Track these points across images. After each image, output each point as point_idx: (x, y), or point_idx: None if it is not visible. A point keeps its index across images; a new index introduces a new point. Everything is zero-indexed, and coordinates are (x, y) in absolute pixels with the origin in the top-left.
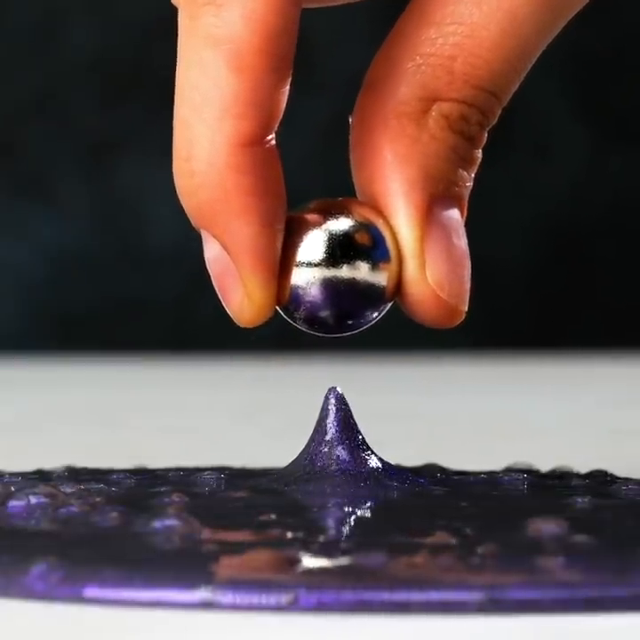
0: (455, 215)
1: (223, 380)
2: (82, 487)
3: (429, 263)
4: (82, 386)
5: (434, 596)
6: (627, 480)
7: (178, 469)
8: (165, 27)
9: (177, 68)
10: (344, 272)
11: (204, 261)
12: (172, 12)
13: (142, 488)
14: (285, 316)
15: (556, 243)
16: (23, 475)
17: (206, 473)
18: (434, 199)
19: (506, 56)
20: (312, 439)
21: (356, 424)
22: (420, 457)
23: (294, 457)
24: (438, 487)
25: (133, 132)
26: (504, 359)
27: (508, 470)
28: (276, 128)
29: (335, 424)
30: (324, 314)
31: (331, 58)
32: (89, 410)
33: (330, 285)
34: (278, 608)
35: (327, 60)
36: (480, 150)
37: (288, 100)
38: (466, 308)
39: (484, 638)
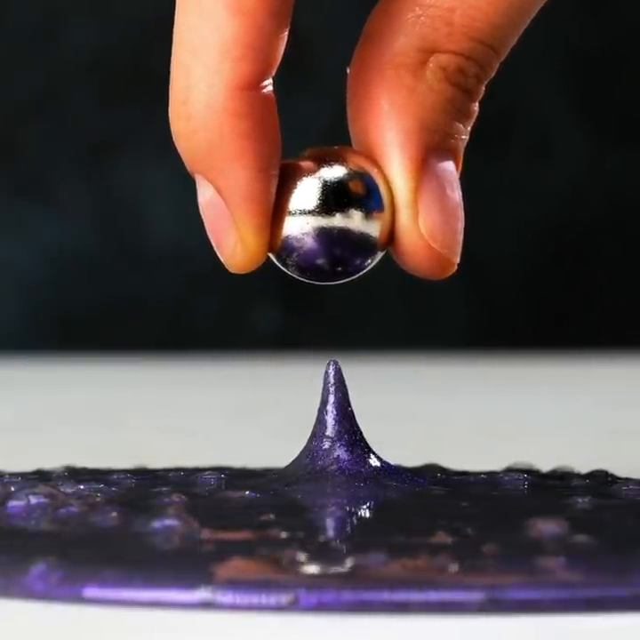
0: (450, 167)
1: (223, 380)
2: (82, 487)
3: (423, 213)
4: (82, 386)
5: (434, 596)
6: (627, 480)
7: (178, 469)
8: (165, 27)
9: (176, 11)
10: (337, 220)
11: (203, 261)
12: (171, 12)
13: (142, 488)
14: (277, 263)
15: (555, 243)
16: (23, 475)
17: (206, 473)
18: (429, 150)
19: (505, 10)
20: (313, 435)
21: (353, 415)
22: (420, 457)
23: (294, 457)
24: (438, 487)
25: (133, 132)
26: (504, 359)
27: (509, 470)
28: (273, 73)
29: (334, 413)
30: (317, 261)
31: (330, 58)
32: (89, 410)
33: (323, 233)
34: (278, 608)
35: (327, 60)
36: (477, 103)
37: (288, 100)
38: (457, 260)
39: (483, 638)
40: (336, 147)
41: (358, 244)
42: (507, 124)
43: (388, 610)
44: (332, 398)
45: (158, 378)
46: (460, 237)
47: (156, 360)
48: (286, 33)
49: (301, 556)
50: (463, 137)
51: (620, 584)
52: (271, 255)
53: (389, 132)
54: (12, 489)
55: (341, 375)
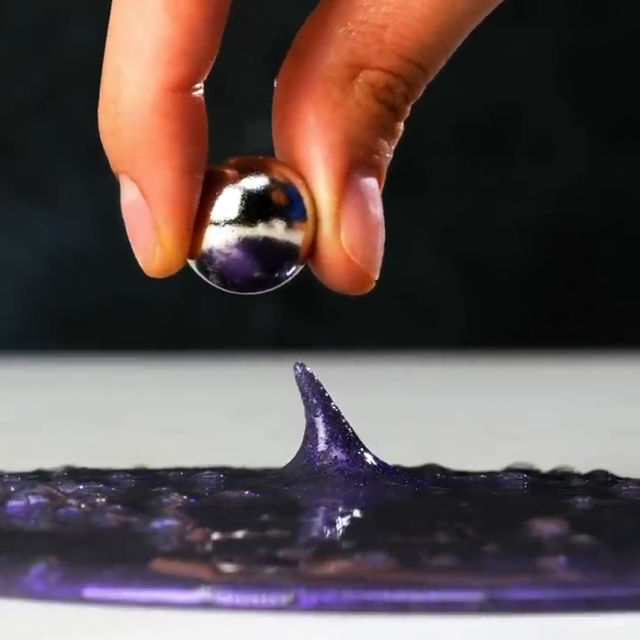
0: (373, 184)
1: (223, 380)
2: (81, 487)
3: (344, 227)
4: (81, 386)
5: (434, 596)
6: (627, 480)
7: (178, 469)
8: None
9: (112, 7)
10: (260, 229)
11: None
12: None
13: (142, 488)
14: (197, 271)
15: (556, 243)
16: (23, 475)
17: (206, 473)
18: (353, 165)
19: (436, 30)
20: (306, 438)
21: (340, 413)
22: (420, 457)
23: (292, 457)
24: (438, 487)
25: None
26: (504, 359)
27: (509, 470)
28: (205, 77)
29: (322, 416)
30: (238, 271)
31: None
32: (89, 410)
33: (244, 243)
34: (278, 608)
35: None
36: (402, 123)
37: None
38: (376, 276)
39: (484, 638)
40: (261, 157)
41: (280, 255)
42: (507, 124)
43: (388, 610)
44: (314, 401)
45: (158, 378)
46: (380, 253)
47: (156, 360)
48: (220, 39)
49: (301, 556)
50: (388, 155)
51: (620, 584)
52: (191, 262)
53: (315, 146)
54: (12, 489)
55: (311, 375)
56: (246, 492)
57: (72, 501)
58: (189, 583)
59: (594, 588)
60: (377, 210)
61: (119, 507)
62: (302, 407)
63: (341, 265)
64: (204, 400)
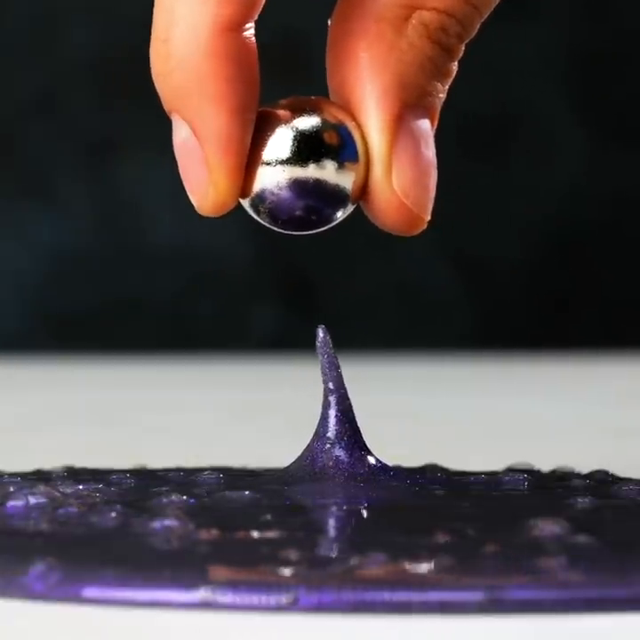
0: (425, 125)
1: (223, 381)
2: (81, 487)
3: (396, 169)
4: (81, 386)
5: (434, 596)
6: (628, 480)
7: (178, 469)
8: None
9: None
10: (311, 170)
11: (203, 261)
12: None
13: (142, 488)
14: (249, 210)
15: (556, 243)
16: (22, 475)
17: (206, 473)
18: (406, 107)
19: None
20: (316, 434)
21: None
22: (420, 457)
23: (294, 457)
24: (438, 487)
25: (133, 132)
26: (504, 359)
27: (509, 470)
28: (256, 17)
29: (336, 408)
30: (289, 211)
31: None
32: (89, 410)
33: (296, 183)
34: (278, 608)
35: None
36: (456, 63)
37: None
38: (428, 218)
39: (483, 638)
40: (313, 97)
41: (331, 195)
42: (507, 124)
43: (388, 610)
44: (331, 386)
45: (158, 378)
46: (432, 195)
47: (156, 360)
48: None
49: (301, 556)
50: (440, 95)
51: (620, 584)
52: (243, 202)
53: (368, 87)
54: (11, 489)
55: (328, 339)
56: (246, 492)
57: (72, 501)
58: (189, 583)
59: (594, 589)
60: (429, 151)
61: (119, 507)
62: (302, 407)
63: (393, 207)
64: (204, 400)
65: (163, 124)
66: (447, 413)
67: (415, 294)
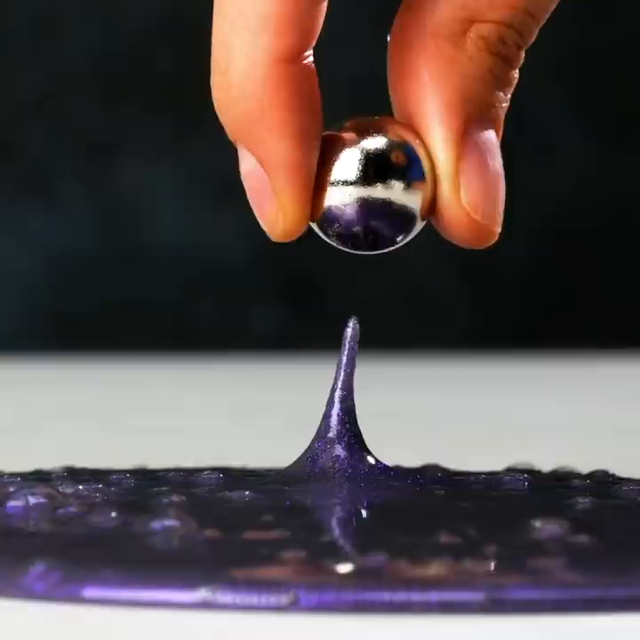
0: (491, 136)
1: (223, 381)
2: (81, 487)
3: (463, 185)
4: (81, 386)
5: (434, 596)
6: (628, 480)
7: (177, 470)
8: (165, 26)
9: None
10: (378, 191)
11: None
12: (172, 12)
13: (142, 488)
14: (319, 232)
15: (557, 243)
16: (22, 475)
17: (206, 473)
18: (470, 121)
19: None
20: (317, 434)
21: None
22: (420, 457)
23: (294, 457)
24: (439, 487)
25: (133, 133)
26: (504, 359)
27: (509, 470)
28: (313, 45)
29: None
30: (358, 232)
31: (333, 59)
32: (88, 410)
33: (364, 204)
34: (278, 608)
35: (329, 61)
36: (517, 71)
37: None
38: (499, 229)
39: (484, 638)
40: (377, 117)
41: (399, 215)
42: (507, 124)
43: (389, 610)
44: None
45: (158, 378)
46: (502, 206)
47: (156, 360)
48: (325, 4)
49: (301, 556)
50: (504, 105)
51: (619, 584)
52: (313, 225)
53: (430, 103)
54: (11, 489)
55: (357, 333)
56: (246, 492)
57: (72, 501)
58: (189, 583)
59: (594, 589)
60: (496, 162)
61: (119, 507)
62: (302, 407)
63: (463, 222)
64: (204, 400)
65: (162, 125)
66: (448, 413)
67: (416, 294)
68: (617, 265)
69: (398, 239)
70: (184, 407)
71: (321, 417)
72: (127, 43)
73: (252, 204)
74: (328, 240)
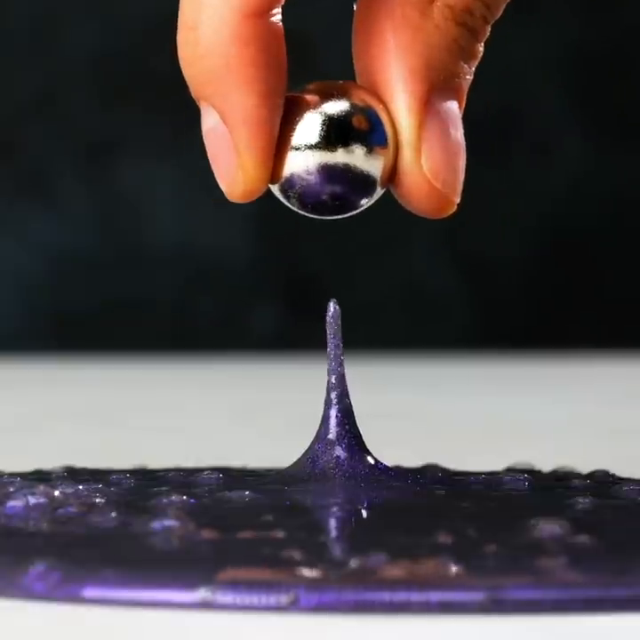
0: (454, 106)
1: (223, 381)
2: (81, 488)
3: (425, 152)
4: (81, 386)
5: (434, 596)
6: (628, 480)
7: (177, 470)
8: (165, 26)
9: None
10: (340, 155)
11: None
12: (172, 12)
13: (141, 488)
14: (278, 195)
15: (556, 242)
16: (22, 475)
17: (206, 473)
18: (434, 89)
19: None
20: (317, 437)
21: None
22: (420, 457)
23: (294, 457)
24: (439, 487)
25: (133, 132)
26: (504, 359)
27: (509, 470)
28: (282, 2)
29: (337, 408)
30: (318, 195)
31: (331, 57)
32: (88, 410)
33: (325, 168)
34: (278, 608)
35: (327, 60)
36: (482, 44)
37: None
38: (458, 199)
39: (484, 638)
40: (340, 82)
41: (360, 180)
42: (507, 123)
43: (389, 610)
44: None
45: (158, 378)
46: (462, 176)
47: (156, 360)
48: None
49: (301, 556)
50: (468, 77)
51: (619, 584)
52: (272, 187)
53: (395, 70)
54: (11, 489)
55: (338, 313)
56: (246, 493)
57: (72, 501)
58: (189, 583)
59: (594, 589)
60: (457, 133)
61: (119, 507)
62: (302, 407)
63: (423, 190)
64: (203, 400)
65: (162, 125)
66: (447, 413)
67: (416, 294)
68: (615, 264)
69: (358, 204)
70: (184, 407)
71: (320, 417)
72: (127, 43)
73: (212, 164)
74: (288, 204)
